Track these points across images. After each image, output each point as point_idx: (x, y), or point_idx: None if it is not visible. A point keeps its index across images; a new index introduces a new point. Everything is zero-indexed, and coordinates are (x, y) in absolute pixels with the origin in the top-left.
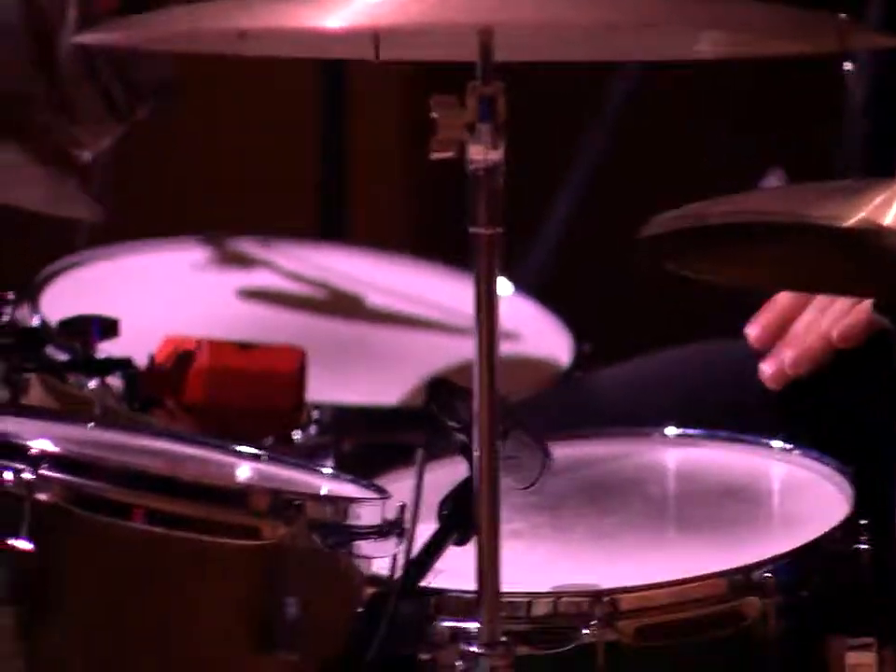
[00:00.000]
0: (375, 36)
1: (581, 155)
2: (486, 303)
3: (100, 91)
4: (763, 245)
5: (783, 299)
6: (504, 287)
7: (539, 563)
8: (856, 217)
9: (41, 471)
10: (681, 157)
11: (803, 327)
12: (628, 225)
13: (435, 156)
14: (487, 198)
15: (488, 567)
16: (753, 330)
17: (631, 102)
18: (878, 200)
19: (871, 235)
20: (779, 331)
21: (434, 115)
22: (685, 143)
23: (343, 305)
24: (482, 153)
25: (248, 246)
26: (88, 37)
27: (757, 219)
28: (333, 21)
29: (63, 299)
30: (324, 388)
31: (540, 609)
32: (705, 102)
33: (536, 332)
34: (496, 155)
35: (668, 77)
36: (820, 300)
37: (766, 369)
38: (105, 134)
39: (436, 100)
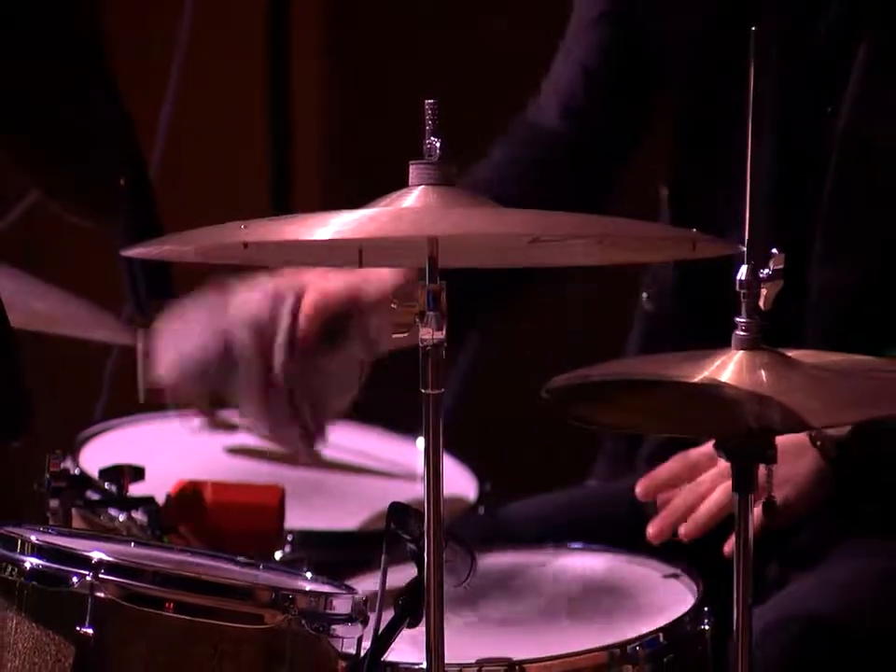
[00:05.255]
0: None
1: None
2: (433, 448)
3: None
4: (634, 396)
5: (672, 464)
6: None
7: (466, 642)
8: (701, 375)
9: (100, 575)
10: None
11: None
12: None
13: (394, 335)
14: (434, 367)
15: (435, 645)
16: (640, 486)
17: None
18: (718, 362)
19: (712, 389)
20: (663, 488)
21: (393, 305)
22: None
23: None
24: (429, 334)
25: (232, 416)
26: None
27: (628, 377)
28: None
29: (97, 454)
30: (294, 518)
31: None
32: None
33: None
34: (440, 335)
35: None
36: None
37: (650, 529)
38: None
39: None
